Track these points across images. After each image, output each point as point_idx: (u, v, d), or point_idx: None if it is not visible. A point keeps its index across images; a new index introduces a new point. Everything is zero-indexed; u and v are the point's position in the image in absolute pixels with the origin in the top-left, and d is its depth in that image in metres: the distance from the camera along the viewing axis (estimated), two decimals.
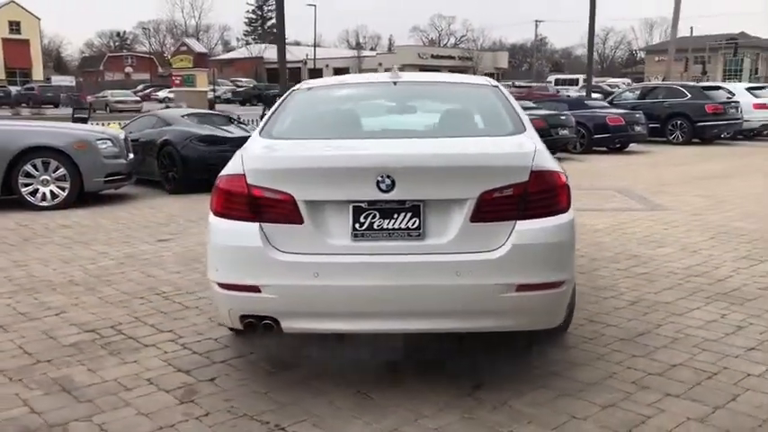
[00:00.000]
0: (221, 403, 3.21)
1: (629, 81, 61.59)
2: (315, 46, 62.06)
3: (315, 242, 3.10)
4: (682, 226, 7.32)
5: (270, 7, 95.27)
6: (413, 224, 3.09)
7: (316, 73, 64.23)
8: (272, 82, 64.48)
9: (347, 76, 5.01)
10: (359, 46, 72.21)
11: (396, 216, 3.09)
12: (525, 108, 16.65)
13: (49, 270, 5.74)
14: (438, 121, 3.89)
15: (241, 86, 55.77)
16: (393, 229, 3.09)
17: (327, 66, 65.46)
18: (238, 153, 3.44)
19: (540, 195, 3.11)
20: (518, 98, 19.44)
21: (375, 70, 62.86)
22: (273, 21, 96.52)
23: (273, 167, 3.19)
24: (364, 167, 3.08)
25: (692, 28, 66.68)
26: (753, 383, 3.34)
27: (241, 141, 10.26)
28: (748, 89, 20.47)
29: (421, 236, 3.09)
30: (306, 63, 65.07)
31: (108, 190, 9.53)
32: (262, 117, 15.70)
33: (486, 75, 60.68)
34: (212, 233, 3.26)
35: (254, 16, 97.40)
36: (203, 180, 10.14)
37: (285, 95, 4.18)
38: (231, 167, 3.29)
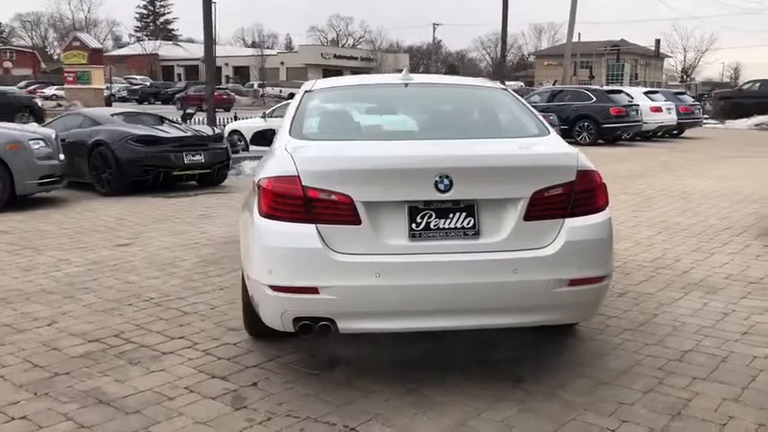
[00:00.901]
0: (277, 407, 3.17)
1: (522, 84, 64.03)
2: (214, 44, 60.50)
3: (372, 243, 3.13)
4: (627, 222, 7.76)
5: (162, 3, 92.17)
6: (468, 223, 3.17)
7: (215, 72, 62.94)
8: (168, 80, 62.51)
9: (358, 76, 5.01)
10: (260, 44, 71.12)
11: (451, 216, 3.17)
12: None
13: (10, 279, 5.42)
14: (468, 123, 3.99)
15: (136, 84, 53.66)
16: (449, 228, 3.17)
17: (227, 64, 64.14)
18: (281, 154, 3.40)
19: (585, 194, 3.27)
20: None
21: (277, 70, 62.53)
22: (167, 17, 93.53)
23: (332, 169, 3.18)
24: (425, 168, 3.14)
25: (579, 34, 69.88)
26: (763, 364, 3.64)
27: (182, 141, 10.18)
28: (645, 93, 21.81)
29: (476, 234, 3.18)
30: (204, 61, 63.37)
31: (40, 193, 9.02)
32: (183, 117, 15.30)
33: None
34: (262, 235, 3.22)
35: (145, 11, 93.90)
36: (141, 181, 9.83)
37: (300, 96, 4.15)
38: (278, 169, 3.24)
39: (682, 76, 73.37)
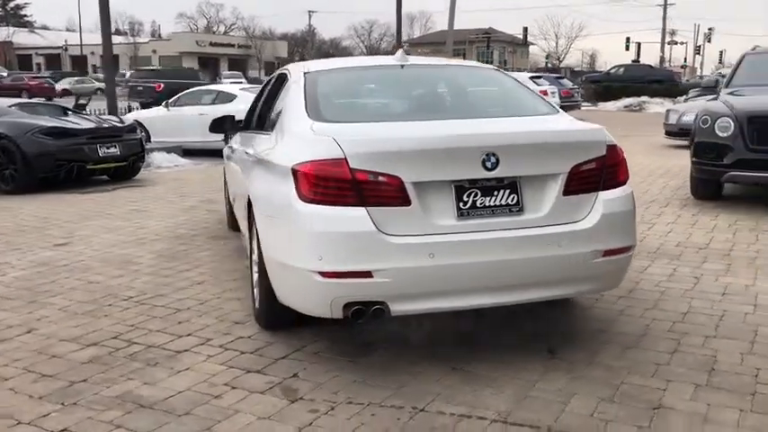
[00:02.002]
0: (334, 396, 3.10)
1: None
2: (80, 31, 57.04)
3: (422, 223, 3.12)
4: None
5: None
6: (512, 200, 3.23)
7: (80, 60, 59.15)
8: (26, 69, 58.20)
9: (350, 58, 4.91)
10: (126, 32, 67.55)
11: (496, 193, 3.21)
12: None
13: None
14: (486, 102, 4.03)
15: None
16: (495, 206, 3.21)
17: (93, 53, 60.45)
18: (313, 136, 3.29)
19: (613, 168, 3.42)
20: None
21: (149, 58, 59.69)
22: (17, 2, 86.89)
23: (381, 150, 3.12)
24: (473, 147, 3.16)
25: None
26: (756, 320, 3.97)
27: (95, 133, 9.57)
28: (531, 78, 22.80)
29: (520, 211, 3.24)
30: (66, 49, 59.63)
31: None
32: (76, 106, 14.34)
33: (266, 63, 59.87)
34: (308, 221, 3.12)
35: None
36: (50, 177, 9.17)
37: (300, 78, 4.02)
38: (320, 152, 3.14)
39: (546, 63, 77.08)
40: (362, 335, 3.78)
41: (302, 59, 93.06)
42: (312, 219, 3.11)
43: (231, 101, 13.31)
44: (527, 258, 3.19)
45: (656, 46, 63.90)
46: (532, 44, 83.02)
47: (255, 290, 4.07)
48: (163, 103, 14.35)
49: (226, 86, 15.04)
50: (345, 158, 3.07)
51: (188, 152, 13.06)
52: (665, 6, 58.30)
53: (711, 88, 8.90)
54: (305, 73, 4.08)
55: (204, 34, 68.01)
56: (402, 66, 4.24)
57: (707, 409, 2.92)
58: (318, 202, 3.12)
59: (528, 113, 3.78)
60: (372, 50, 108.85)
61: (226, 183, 6.73)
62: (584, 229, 3.28)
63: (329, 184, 3.10)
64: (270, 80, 5.19)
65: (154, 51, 58.57)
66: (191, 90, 15.00)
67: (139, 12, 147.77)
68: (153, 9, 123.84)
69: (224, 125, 5.73)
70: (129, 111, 16.22)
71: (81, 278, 5.11)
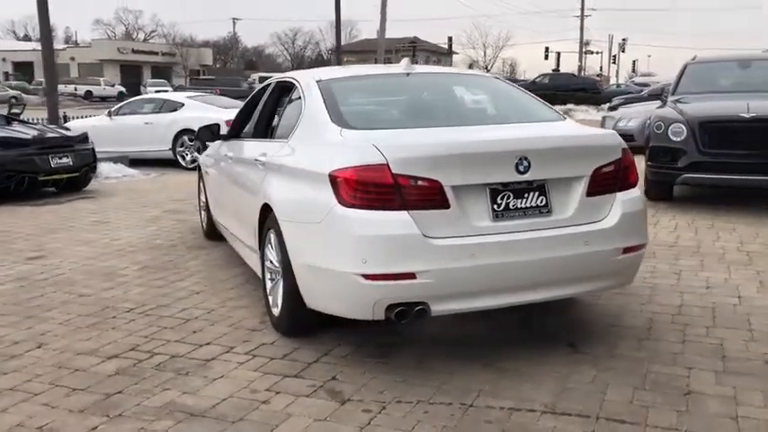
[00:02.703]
0: (380, 396, 3.17)
1: None
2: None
3: (461, 225, 3.24)
4: None
5: None
6: (541, 202, 3.39)
7: None
8: None
9: (357, 67, 4.95)
10: (39, 39, 64.71)
11: (526, 195, 3.37)
12: None
13: None
14: (502, 109, 4.17)
15: None
16: (526, 207, 3.37)
17: (5, 59, 57.83)
18: (347, 143, 3.37)
19: (627, 170, 3.63)
20: None
21: (68, 66, 57.37)
22: None
23: (422, 155, 3.22)
24: (508, 151, 3.30)
25: (377, 31, 72.44)
26: (745, 310, 4.26)
27: (46, 143, 9.24)
28: None
29: (549, 212, 3.41)
30: (43, 56, 56.69)
31: None
32: (9, 115, 13.77)
33: (192, 71, 58.57)
34: (351, 225, 3.18)
35: None
36: (2, 189, 8.81)
37: (312, 86, 4.07)
38: (361, 157, 3.21)
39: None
40: (383, 337, 3.85)
41: (224, 66, 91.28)
42: (356, 223, 3.18)
43: (177, 109, 13.07)
44: (558, 257, 3.35)
45: (574, 55, 66.32)
46: (456, 53, 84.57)
47: (270, 297, 4.09)
48: (106, 113, 13.96)
49: (172, 94, 14.75)
50: (387, 164, 3.15)
51: (133, 162, 12.76)
52: (581, 17, 60.61)
53: (657, 96, 9.40)
54: (317, 81, 4.13)
55: (126, 41, 66.10)
56: (408, 74, 4.35)
57: (734, 392, 3.14)
58: (360, 207, 3.19)
59: (542, 119, 3.95)
60: (296, 58, 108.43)
61: (202, 191, 6.66)
62: (607, 228, 3.47)
63: (372, 189, 3.17)
64: (264, 89, 5.20)
65: (72, 59, 56.49)
66: (134, 99, 14.66)
67: (51, 17, 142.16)
68: (67, 15, 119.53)
69: (211, 133, 5.69)
70: (66, 120, 15.65)
71: (70, 291, 4.98)
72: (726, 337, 3.81)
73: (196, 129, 12.29)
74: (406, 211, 3.16)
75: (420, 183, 3.17)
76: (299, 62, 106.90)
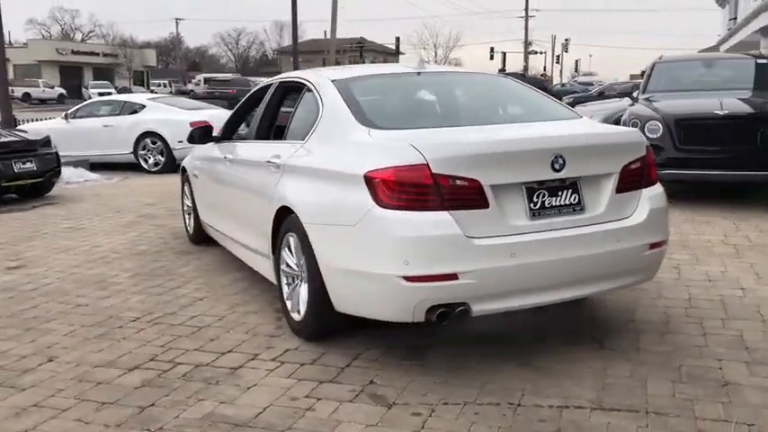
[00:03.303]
0: (425, 398, 3.14)
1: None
2: None
3: (500, 224, 3.23)
4: None
5: None
6: (574, 199, 3.41)
7: None
8: None
9: (369, 66, 4.86)
10: None
11: (560, 193, 3.38)
12: None
13: None
14: (524, 107, 4.17)
15: None
16: (560, 205, 3.38)
17: None
18: (381, 143, 3.33)
19: (650, 167, 3.69)
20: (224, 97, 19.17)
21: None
22: None
23: (462, 154, 3.19)
24: (544, 149, 3.31)
25: (325, 32, 72.00)
26: (751, 302, 4.38)
27: (8, 147, 8.85)
28: None
29: (582, 209, 3.43)
30: None
31: None
32: None
33: (136, 72, 56.98)
34: (392, 227, 3.13)
35: None
36: None
37: (329, 86, 4.00)
38: (399, 158, 3.17)
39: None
40: (410, 339, 3.81)
41: (166, 68, 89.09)
42: (397, 224, 3.13)
43: (138, 111, 12.73)
44: (592, 254, 3.37)
45: (519, 55, 67.39)
46: (403, 53, 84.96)
47: (288, 302, 4.01)
48: (62, 115, 13.51)
49: (133, 96, 14.34)
50: (427, 164, 3.12)
51: (93, 166, 12.37)
52: (526, 18, 61.63)
53: (627, 94, 9.63)
54: (332, 81, 4.06)
55: (65, 42, 63.85)
56: (419, 73, 4.33)
57: None
58: (400, 208, 3.15)
59: (563, 117, 3.98)
60: (240, 59, 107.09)
61: (187, 195, 6.50)
62: (637, 224, 3.52)
63: (411, 189, 3.13)
64: (262, 90, 5.10)
65: (7, 59, 54.46)
66: (91, 101, 14.23)
67: None
68: None
69: (203, 135, 5.55)
70: (17, 123, 15.06)
71: (65, 301, 4.79)
72: (743, 329, 3.91)
73: (159, 131, 12.10)
74: (446, 212, 3.13)
75: (459, 182, 3.15)
76: (244, 63, 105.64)
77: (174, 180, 11.24)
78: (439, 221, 3.11)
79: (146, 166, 12.43)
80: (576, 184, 3.42)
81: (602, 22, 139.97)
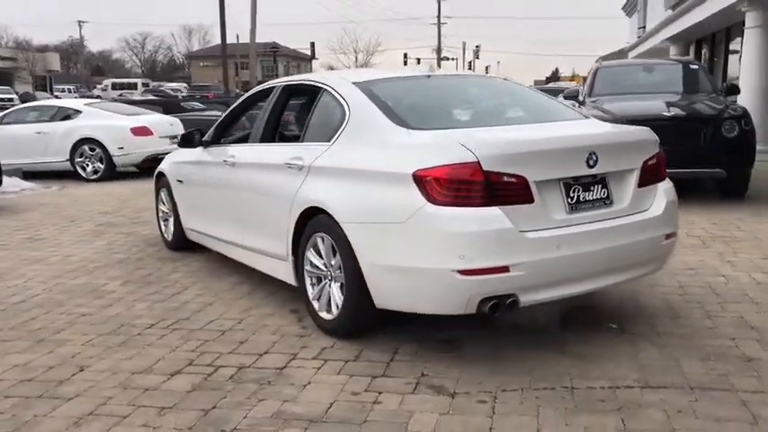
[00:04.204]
0: (482, 386, 3.26)
1: (186, 85, 63.00)
2: None
3: (544, 218, 3.41)
4: None
5: None
6: (603, 194, 3.64)
7: None
8: None
9: (379, 69, 4.91)
10: None
11: (592, 188, 3.60)
12: (195, 110, 16.35)
13: None
14: (541, 108, 4.35)
15: None
16: (593, 199, 3.59)
17: None
18: (443, 142, 3.44)
19: (663, 163, 3.97)
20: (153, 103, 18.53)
21: None
22: None
23: (510, 152, 3.35)
24: (583, 146, 3.51)
25: (237, 35, 71.00)
26: (737, 287, 4.75)
27: None
28: None
29: (611, 203, 3.66)
30: None
31: None
32: None
33: (37, 77, 54.15)
34: (447, 223, 3.25)
35: None
36: None
37: (353, 88, 4.09)
38: (450, 156, 3.29)
39: None
40: (439, 333, 3.94)
41: (68, 72, 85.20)
42: (452, 220, 3.25)
43: (73, 117, 12.27)
44: (622, 245, 3.60)
45: (432, 62, 68.58)
46: (316, 59, 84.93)
47: (315, 303, 4.06)
48: None
49: (67, 101, 13.77)
50: (478, 161, 3.26)
51: (26, 174, 11.84)
52: (438, 25, 62.89)
53: (573, 97, 10.08)
54: (354, 83, 4.14)
55: None
56: (428, 76, 4.48)
57: None
58: (453, 205, 3.27)
59: (575, 118, 4.21)
60: (147, 64, 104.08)
61: (165, 202, 6.39)
62: (655, 216, 3.78)
63: (463, 186, 3.26)
64: (259, 95, 5.10)
65: None
66: (19, 107, 13.58)
67: None
68: None
69: (197, 138, 5.50)
70: None
71: (66, 312, 4.65)
72: (741, 311, 4.24)
73: (98, 137, 11.70)
74: (497, 207, 3.28)
75: (507, 179, 3.30)
76: (151, 68, 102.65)
77: (121, 188, 10.96)
78: (492, 216, 3.26)
79: (84, 174, 12.00)
80: (605, 180, 3.64)
81: (511, 29, 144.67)
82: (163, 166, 6.36)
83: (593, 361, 3.53)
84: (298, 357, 3.71)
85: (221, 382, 3.41)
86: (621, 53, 31.96)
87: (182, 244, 6.21)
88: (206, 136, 5.58)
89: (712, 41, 18.92)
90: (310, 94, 4.52)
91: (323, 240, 3.92)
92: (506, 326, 4.06)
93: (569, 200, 3.51)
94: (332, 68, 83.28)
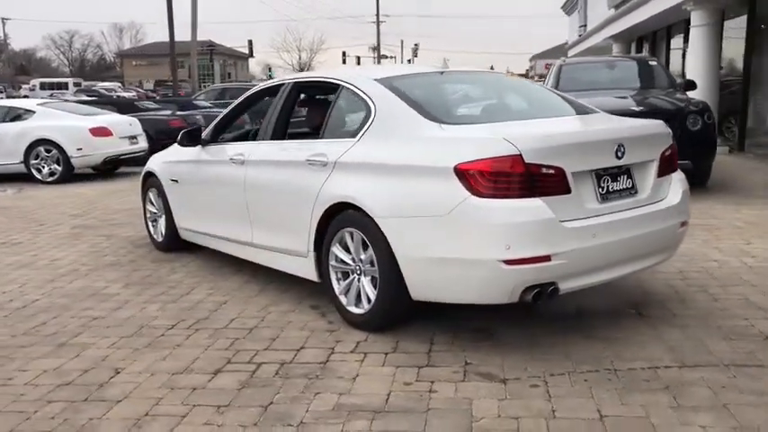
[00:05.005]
0: (526, 372, 3.36)
1: (120, 84, 61.35)
2: None
3: (579, 208, 3.54)
4: None
5: None
6: (629, 184, 3.80)
7: None
8: None
9: (394, 66, 4.91)
10: None
11: (619, 179, 3.76)
12: (149, 109, 15.99)
13: None
14: (554, 103, 4.48)
15: None
16: (620, 189, 3.75)
17: None
18: (481, 136, 3.53)
19: (675, 155, 4.16)
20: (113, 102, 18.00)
21: None
22: None
23: (550, 145, 3.46)
24: (612, 139, 3.66)
25: (169, 32, 69.46)
26: (731, 271, 5.01)
27: None
28: None
29: (635, 193, 3.82)
30: None
31: None
32: None
33: None
34: (493, 214, 3.33)
35: None
36: None
37: (378, 84, 4.14)
38: (493, 150, 3.38)
39: (270, 76, 78.60)
40: (468, 323, 4.03)
41: None
42: (498, 212, 3.34)
43: (26, 118, 11.84)
44: (647, 232, 3.77)
45: (371, 60, 68.79)
46: (252, 56, 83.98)
47: (342, 297, 4.09)
48: None
49: (19, 101, 13.25)
50: (521, 154, 3.36)
51: None
52: (377, 23, 63.11)
53: None
54: (375, 80, 4.19)
55: None
56: (442, 72, 4.57)
57: None
58: (497, 197, 3.36)
59: (589, 111, 4.37)
60: (75, 62, 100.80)
61: (153, 203, 6.29)
62: (673, 205, 3.97)
63: (507, 178, 3.36)
64: (264, 92, 5.08)
65: None
66: None
67: None
68: None
69: (196, 137, 5.44)
70: None
71: (76, 315, 4.55)
72: (744, 293, 4.49)
73: (55, 139, 11.34)
74: (538, 198, 3.39)
75: (546, 170, 3.42)
76: (80, 66, 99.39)
77: (82, 189, 10.67)
78: (536, 207, 3.37)
79: (39, 177, 11.60)
80: (630, 171, 3.80)
81: (449, 27, 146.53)
82: (152, 166, 6.25)
83: (623, 344, 3.69)
84: (336, 351, 3.73)
85: (269, 379, 3.41)
86: (560, 50, 32.82)
87: (174, 245, 6.12)
88: (204, 134, 5.51)
89: (653, 39, 19.66)
90: (326, 90, 4.55)
91: (351, 235, 3.95)
92: (533, 314, 4.18)
93: (600, 190, 3.65)
94: (270, 68, 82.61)
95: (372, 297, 3.89)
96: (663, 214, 3.89)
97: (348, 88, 4.31)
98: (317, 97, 5.08)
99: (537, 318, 4.13)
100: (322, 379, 3.39)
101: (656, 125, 4.11)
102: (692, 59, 13.84)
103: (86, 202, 9.37)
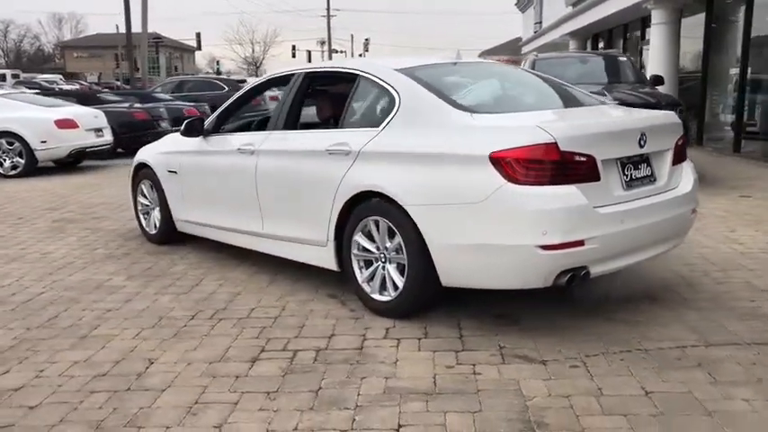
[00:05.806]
0: (561, 354, 3.46)
1: (61, 77, 59.54)
2: None
3: (608, 195, 3.66)
4: None
5: None
6: (648, 171, 3.94)
7: None
8: None
9: (410, 56, 4.90)
10: None
11: (640, 167, 3.90)
12: (110, 102, 15.63)
13: None
14: (570, 94, 4.58)
15: None
16: (642, 177, 3.89)
17: None
18: (517, 125, 3.62)
19: (685, 145, 4.33)
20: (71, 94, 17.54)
21: None
22: None
23: (583, 134, 3.56)
24: (636, 128, 3.80)
25: (117, 26, 67.68)
26: (725, 257, 5.23)
27: None
28: None
29: (654, 180, 3.97)
30: None
31: None
32: None
33: None
34: (530, 201, 3.42)
35: None
36: None
37: (400, 74, 4.18)
38: (530, 138, 3.45)
39: (217, 70, 77.49)
40: (491, 309, 4.12)
41: None
42: (535, 199, 3.43)
43: None
44: (667, 218, 3.93)
45: (321, 54, 68.51)
46: (198, 50, 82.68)
47: (366, 286, 4.13)
48: None
49: None
50: (556, 142, 3.46)
51: None
52: (328, 17, 62.84)
53: None
54: (396, 70, 4.23)
55: None
56: (455, 63, 4.64)
57: None
58: (533, 184, 3.45)
59: (602, 102, 4.50)
60: (10, 53, 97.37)
61: (146, 195, 6.20)
62: (687, 192, 4.13)
63: (542, 166, 3.45)
64: (284, 81, 5.04)
65: None
66: None
67: None
68: None
69: (201, 126, 5.38)
70: None
71: (87, 308, 4.47)
72: (743, 277, 4.70)
73: (17, 131, 11.00)
74: (573, 185, 3.50)
75: (579, 158, 3.53)
76: (16, 57, 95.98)
77: (48, 183, 10.41)
78: (570, 194, 3.47)
79: (1, 170, 11.24)
80: (649, 159, 3.95)
81: (400, 22, 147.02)
82: (145, 158, 6.15)
83: (645, 326, 3.83)
84: (368, 338, 3.77)
85: (310, 365, 3.43)
86: (512, 46, 33.29)
87: (169, 237, 6.04)
88: (206, 125, 5.45)
89: (609, 37, 20.17)
90: (343, 81, 4.56)
91: (377, 224, 3.99)
92: (552, 298, 4.28)
93: (625, 177, 3.78)
94: (218, 61, 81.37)
95: (400, 284, 3.93)
96: (678, 201, 4.04)
97: (368, 78, 4.33)
98: (332, 87, 5.08)
99: (556, 303, 4.24)
100: (364, 364, 3.42)
101: (671, 116, 4.27)
102: (653, 56, 14.27)
103: (57, 196, 9.13)
